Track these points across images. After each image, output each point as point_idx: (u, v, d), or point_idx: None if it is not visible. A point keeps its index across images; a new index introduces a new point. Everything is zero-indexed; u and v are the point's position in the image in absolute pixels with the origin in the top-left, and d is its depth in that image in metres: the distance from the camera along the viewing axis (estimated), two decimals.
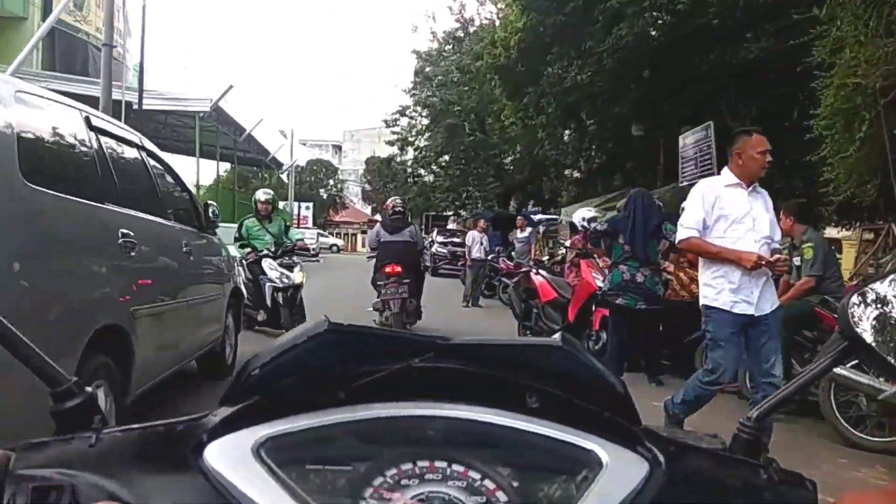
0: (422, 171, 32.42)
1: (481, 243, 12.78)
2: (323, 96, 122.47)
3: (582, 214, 7.94)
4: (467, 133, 29.25)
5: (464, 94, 28.87)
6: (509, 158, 29.40)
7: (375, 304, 7.80)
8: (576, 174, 26.48)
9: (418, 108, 32.13)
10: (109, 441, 0.59)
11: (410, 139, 32.79)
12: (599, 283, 6.26)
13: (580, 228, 7.60)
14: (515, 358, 0.64)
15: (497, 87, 18.28)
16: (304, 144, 61.07)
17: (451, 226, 33.08)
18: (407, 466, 0.58)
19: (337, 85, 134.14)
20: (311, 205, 52.22)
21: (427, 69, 30.10)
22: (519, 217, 14.22)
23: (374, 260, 7.92)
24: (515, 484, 0.58)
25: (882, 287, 0.71)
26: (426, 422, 0.61)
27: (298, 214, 47.29)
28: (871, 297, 0.70)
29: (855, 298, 0.70)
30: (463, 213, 30.82)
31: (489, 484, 0.57)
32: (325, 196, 55.58)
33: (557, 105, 16.40)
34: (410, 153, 32.80)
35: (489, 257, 12.82)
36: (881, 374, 1.05)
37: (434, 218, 48.08)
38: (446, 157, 30.94)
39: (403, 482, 0.57)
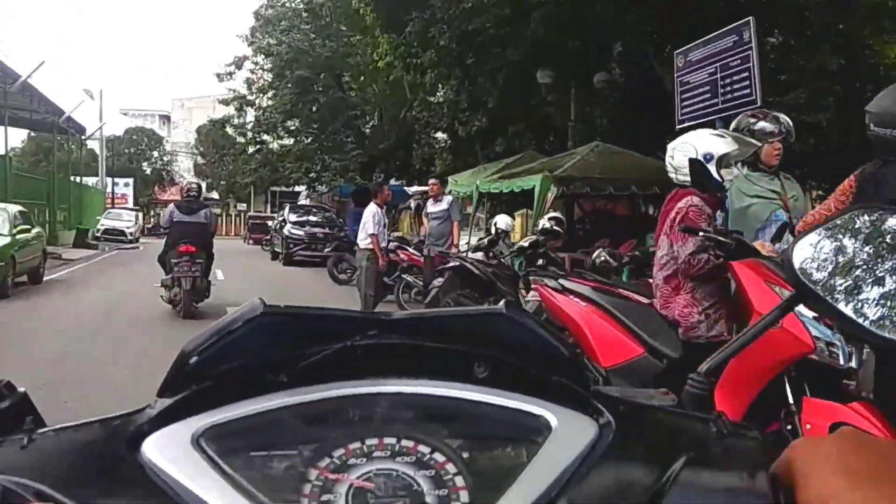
0: (266, 137, 27.01)
1: (383, 223, 7.76)
2: (146, 64, 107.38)
3: (712, 146, 3.10)
4: (320, 90, 24.36)
5: (315, 43, 23.93)
6: (370, 123, 24.98)
7: (165, 281, 8.05)
8: (448, 140, 22.62)
9: (259, 60, 26.60)
10: (42, 442, 0.56)
11: (250, 98, 27.20)
12: (817, 335, 2.36)
13: (712, 181, 3.10)
14: (460, 328, 0.64)
15: (369, 15, 13.81)
16: (126, 114, 52.13)
17: (302, 201, 28.15)
18: (354, 445, 0.57)
19: (162, 50, 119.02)
20: (130, 181, 44.50)
21: (269, 11, 24.66)
22: (431, 181, 9.90)
23: (166, 238, 8.21)
24: (465, 455, 0.57)
25: (825, 233, 0.72)
26: (372, 399, 0.61)
27: (113, 192, 39.53)
28: (815, 243, 0.71)
29: (799, 246, 0.71)
30: (320, 186, 25.99)
31: (438, 457, 0.56)
32: (148, 171, 47.52)
33: (452, 36, 12.37)
34: (251, 115, 27.20)
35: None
36: (829, 319, 0.97)
37: (282, 194, 43.01)
38: (296, 121, 25.84)
39: (351, 462, 0.55)
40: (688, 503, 0.53)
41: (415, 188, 21.08)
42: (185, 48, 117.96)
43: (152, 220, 37.50)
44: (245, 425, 0.58)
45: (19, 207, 12.17)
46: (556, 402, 0.60)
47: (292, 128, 25.62)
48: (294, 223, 18.29)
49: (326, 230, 18.08)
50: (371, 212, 7.62)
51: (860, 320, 0.68)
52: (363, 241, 7.62)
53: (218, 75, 26.29)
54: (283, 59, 23.41)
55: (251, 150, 27.28)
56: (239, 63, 26.48)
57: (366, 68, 24.78)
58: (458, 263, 7.18)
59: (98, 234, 27.99)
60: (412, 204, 24.67)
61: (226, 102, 27.31)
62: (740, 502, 0.54)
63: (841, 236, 0.72)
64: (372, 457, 0.56)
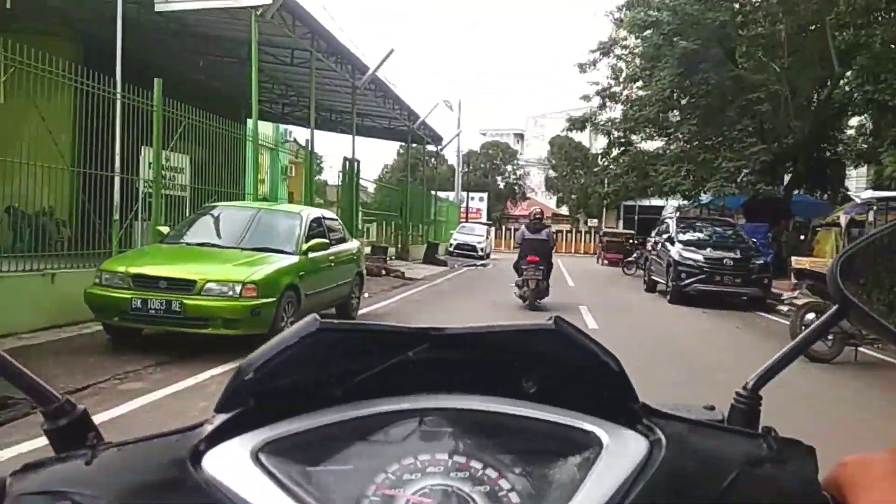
0: (633, 137, 22.10)
1: None
2: (499, 88, 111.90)
3: None
4: (709, 70, 18.50)
5: (705, 8, 18.22)
6: (770, 109, 18.17)
7: (517, 282, 10.79)
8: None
9: (629, 43, 21.84)
10: (105, 457, 0.58)
11: (616, 90, 22.58)
12: None
13: None
14: (510, 344, 0.64)
15: None
16: (484, 135, 52.92)
17: (669, 212, 22.33)
18: (408, 461, 0.57)
19: (515, 74, 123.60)
20: (485, 195, 44.10)
21: None
22: None
23: (519, 250, 11.07)
24: (517, 470, 0.57)
25: (869, 247, 0.73)
26: (425, 414, 0.61)
27: (468, 206, 39.01)
28: (858, 257, 0.72)
29: (843, 261, 0.71)
30: (704, 195, 20.04)
31: (491, 473, 0.57)
32: (502, 185, 46.76)
33: None
34: (618, 112, 22.57)
35: None
36: (872, 333, 0.93)
37: (641, 209, 37.42)
38: (675, 113, 20.36)
39: (406, 477, 0.56)
40: None
41: (868, 193, 13.84)
42: (540, 64, 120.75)
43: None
44: (302, 440, 0.59)
45: (325, 212, 9.15)
46: (607, 418, 0.61)
47: (672, 120, 20.19)
48: (686, 244, 12.82)
49: (736, 255, 12.23)
50: None
51: None
52: None
53: (580, 65, 22.26)
54: (665, 32, 18.13)
55: (615, 152, 22.59)
56: (606, 49, 22.07)
57: (770, 38, 18.45)
58: None
59: (451, 249, 26.83)
60: (843, 218, 17.36)
61: (587, 98, 23.15)
62: None
63: (886, 250, 0.73)
64: (426, 472, 0.57)
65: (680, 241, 12.84)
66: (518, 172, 46.58)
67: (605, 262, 27.45)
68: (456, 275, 18.91)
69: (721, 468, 0.57)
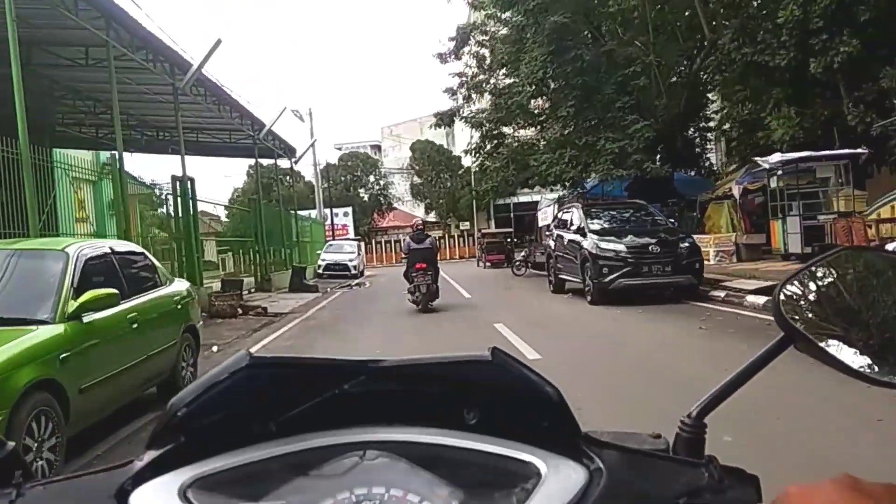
0: (504, 129, 20.35)
1: None
2: (350, 99, 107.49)
3: None
4: (579, 47, 17.08)
5: None
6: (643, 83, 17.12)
7: (409, 289, 11.47)
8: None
9: (490, 28, 20.10)
10: (31, 496, 0.56)
11: (481, 78, 20.78)
12: None
13: None
14: (449, 375, 0.63)
15: None
16: (339, 149, 49.93)
17: (548, 196, 20.71)
18: (343, 496, 0.56)
19: (367, 83, 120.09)
20: (349, 210, 41.12)
21: None
22: None
23: (406, 261, 11.65)
24: (455, 502, 0.56)
25: (811, 276, 0.72)
26: (361, 448, 0.60)
27: (332, 223, 35.81)
28: (801, 286, 0.72)
29: (786, 289, 0.71)
30: (589, 180, 18.62)
31: None
32: (366, 197, 44.03)
33: None
34: (486, 102, 20.73)
35: None
36: (818, 360, 0.68)
37: (516, 206, 36.42)
38: (550, 96, 18.81)
39: None
40: None
41: (777, 157, 12.75)
42: (392, 72, 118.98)
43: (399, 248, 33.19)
44: (233, 476, 0.57)
45: (119, 245, 5.82)
46: (546, 448, 0.60)
47: (546, 106, 18.62)
48: (600, 234, 10.91)
49: (661, 239, 10.48)
50: None
51: (851, 363, 0.66)
52: None
53: (440, 55, 20.20)
54: (531, 7, 16.44)
55: (488, 146, 20.72)
56: (465, 34, 20.17)
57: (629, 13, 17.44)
58: None
59: (320, 271, 23.92)
60: (735, 189, 16.52)
61: (442, 119, 21.10)
62: None
63: (827, 278, 0.72)
64: None
65: (593, 232, 10.93)
66: (382, 182, 44.08)
67: (488, 264, 25.71)
68: (331, 300, 16.05)
69: (661, 498, 0.57)
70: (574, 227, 11.70)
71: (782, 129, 13.79)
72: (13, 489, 0.56)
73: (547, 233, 15.53)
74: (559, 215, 13.88)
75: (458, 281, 17.45)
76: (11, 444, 0.61)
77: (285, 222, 23.01)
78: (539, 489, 0.56)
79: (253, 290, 17.48)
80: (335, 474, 0.58)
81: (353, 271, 24.05)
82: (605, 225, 11.38)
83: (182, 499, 0.54)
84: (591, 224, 11.22)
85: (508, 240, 27.59)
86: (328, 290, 18.97)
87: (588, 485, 0.56)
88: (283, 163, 25.22)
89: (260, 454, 0.58)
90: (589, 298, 10.65)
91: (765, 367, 0.71)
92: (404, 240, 13.35)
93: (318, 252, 26.40)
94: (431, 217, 43.71)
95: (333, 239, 30.09)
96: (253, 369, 0.58)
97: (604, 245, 10.45)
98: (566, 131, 18.46)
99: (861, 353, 0.67)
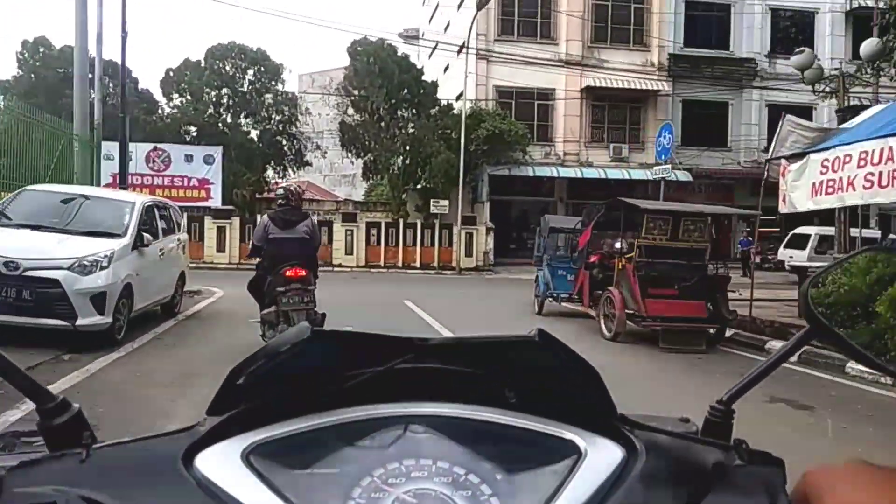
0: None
1: None
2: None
3: None
4: None
5: None
6: None
7: (267, 316, 6.01)
8: None
9: None
10: (99, 456, 0.58)
11: None
12: None
13: None
14: (494, 354, 0.66)
15: None
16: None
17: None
18: (393, 465, 0.59)
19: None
20: (217, 152, 21.95)
21: None
22: None
23: (261, 260, 6.27)
24: (498, 476, 0.58)
25: (839, 273, 0.66)
26: (410, 421, 0.63)
27: (124, 159, 11.64)
28: (828, 280, 0.65)
29: (815, 282, 0.74)
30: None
31: (473, 478, 0.58)
32: (254, 136, 25.82)
33: None
34: None
35: None
36: (843, 353, 0.83)
37: (531, 185, 20.26)
38: None
39: (391, 481, 0.57)
40: None
41: None
42: None
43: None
44: (290, 443, 0.60)
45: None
46: (585, 428, 0.63)
47: None
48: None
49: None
50: None
51: (871, 354, 0.71)
52: None
53: None
54: None
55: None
56: None
57: None
58: None
59: None
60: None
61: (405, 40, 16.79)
62: None
63: (853, 276, 0.60)
64: (410, 477, 0.58)
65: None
66: (287, 110, 26.40)
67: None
68: None
69: (694, 478, 0.60)
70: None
71: None
72: (83, 449, 0.58)
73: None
74: None
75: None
76: (76, 405, 0.62)
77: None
78: (579, 466, 0.58)
79: None
80: (385, 445, 0.61)
81: (81, 309, 6.41)
82: None
83: (245, 462, 0.57)
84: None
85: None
86: None
87: (625, 463, 0.59)
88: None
89: (314, 423, 0.62)
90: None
91: (791, 356, 0.75)
92: (260, 221, 6.73)
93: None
94: (371, 191, 27.17)
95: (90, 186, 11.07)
96: (313, 341, 0.60)
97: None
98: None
99: (880, 345, 0.95)
